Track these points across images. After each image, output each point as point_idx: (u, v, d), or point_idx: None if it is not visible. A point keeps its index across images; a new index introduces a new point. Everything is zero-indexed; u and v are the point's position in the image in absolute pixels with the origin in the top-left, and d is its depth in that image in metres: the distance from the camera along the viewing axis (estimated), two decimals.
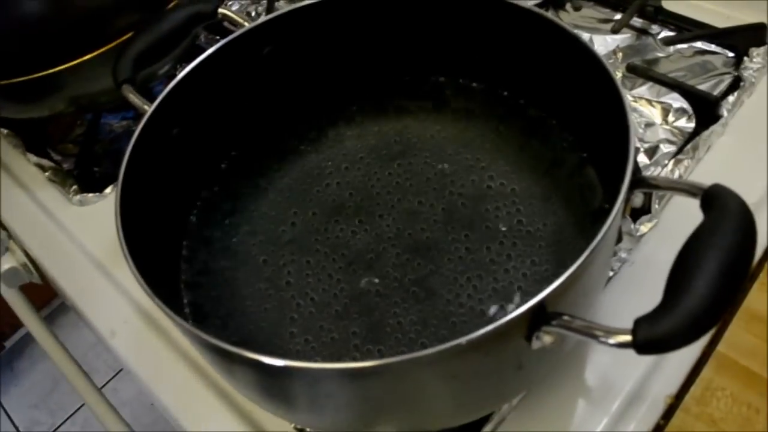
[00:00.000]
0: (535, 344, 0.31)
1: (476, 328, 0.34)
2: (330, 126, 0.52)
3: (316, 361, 0.40)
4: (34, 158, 0.67)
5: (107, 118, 0.72)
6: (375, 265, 0.44)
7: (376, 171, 0.49)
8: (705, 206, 0.32)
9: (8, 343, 1.52)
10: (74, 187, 0.63)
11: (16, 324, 1.45)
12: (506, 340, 0.30)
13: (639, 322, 0.28)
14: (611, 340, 0.28)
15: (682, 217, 0.49)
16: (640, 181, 0.34)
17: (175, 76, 0.46)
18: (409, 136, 0.51)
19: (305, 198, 0.49)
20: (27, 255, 0.65)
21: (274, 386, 0.36)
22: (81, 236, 0.60)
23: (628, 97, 0.39)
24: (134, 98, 0.45)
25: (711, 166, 0.54)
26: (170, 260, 0.45)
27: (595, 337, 0.29)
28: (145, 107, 0.43)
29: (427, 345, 0.40)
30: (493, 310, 0.40)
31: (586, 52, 0.40)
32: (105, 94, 0.58)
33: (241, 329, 0.43)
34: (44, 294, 0.95)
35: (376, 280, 0.43)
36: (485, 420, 0.44)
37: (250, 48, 0.47)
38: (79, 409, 1.39)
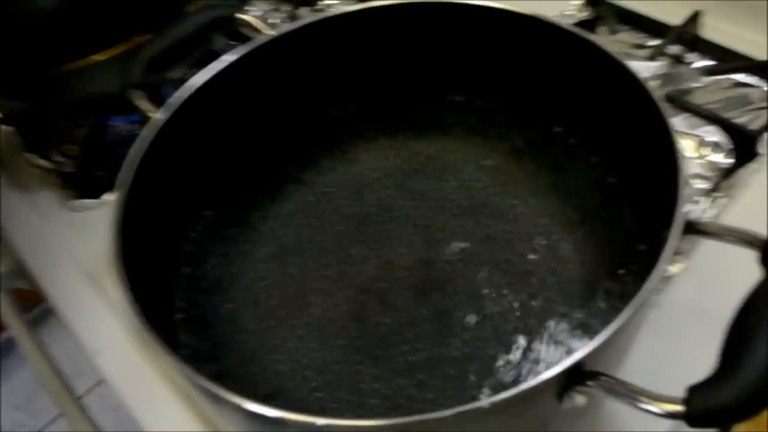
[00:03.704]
0: (567, 404, 0.28)
1: (496, 373, 0.31)
2: (345, 145, 0.49)
3: (315, 404, 0.37)
4: (33, 158, 0.65)
5: (114, 121, 0.69)
6: (387, 297, 0.41)
7: (391, 193, 0.46)
8: (766, 261, 0.28)
9: None
10: (72, 191, 0.60)
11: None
12: (537, 400, 0.27)
13: (694, 391, 0.25)
14: (657, 409, 0.25)
15: (717, 259, 0.46)
16: (689, 226, 0.31)
17: (184, 80, 0.43)
18: (430, 159, 0.48)
19: (315, 221, 0.45)
20: (18, 259, 0.62)
21: None
22: (74, 244, 0.56)
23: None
24: (144, 104, 0.42)
25: (748, 206, 0.50)
26: (164, 280, 0.42)
27: (638, 402, 0.26)
28: (155, 115, 0.40)
29: (440, 392, 0.37)
30: (515, 355, 0.37)
31: (630, 79, 0.37)
32: (113, 97, 0.54)
33: (233, 358, 0.39)
34: None
35: (388, 313, 0.40)
36: None
37: (272, 58, 0.45)
38: (62, 414, 1.35)
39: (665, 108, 0.36)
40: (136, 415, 0.46)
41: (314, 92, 0.49)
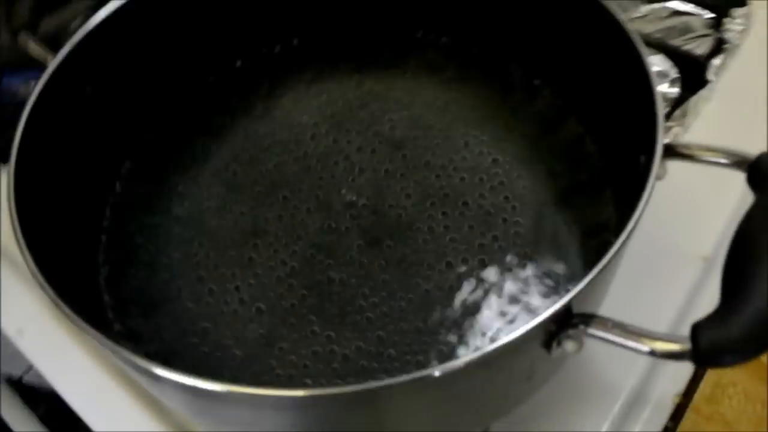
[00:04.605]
0: (556, 353, 0.25)
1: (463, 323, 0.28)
2: (278, 86, 0.44)
3: (269, 375, 0.33)
4: None
5: (8, 81, 0.62)
6: (337, 249, 0.37)
7: (334, 138, 0.42)
8: (755, 181, 0.26)
9: None
10: None
11: None
12: (524, 350, 0.24)
13: (699, 328, 0.22)
14: (662, 350, 0.23)
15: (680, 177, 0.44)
16: (668, 149, 0.29)
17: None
18: (374, 98, 0.44)
19: (250, 173, 0.41)
20: None
21: (213, 409, 0.29)
22: None
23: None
24: (35, 47, 0.36)
25: (701, 134, 0.49)
26: (85, 252, 0.37)
27: (638, 344, 0.23)
28: (50, 58, 0.35)
29: (404, 348, 0.33)
30: (483, 302, 0.34)
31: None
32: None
33: (171, 332, 0.35)
34: None
35: (340, 268, 0.36)
36: None
37: None
38: None
39: (629, 27, 0.33)
40: (68, 399, 0.41)
41: (250, 25, 0.43)
